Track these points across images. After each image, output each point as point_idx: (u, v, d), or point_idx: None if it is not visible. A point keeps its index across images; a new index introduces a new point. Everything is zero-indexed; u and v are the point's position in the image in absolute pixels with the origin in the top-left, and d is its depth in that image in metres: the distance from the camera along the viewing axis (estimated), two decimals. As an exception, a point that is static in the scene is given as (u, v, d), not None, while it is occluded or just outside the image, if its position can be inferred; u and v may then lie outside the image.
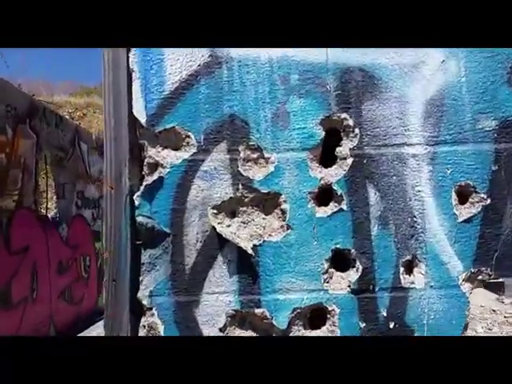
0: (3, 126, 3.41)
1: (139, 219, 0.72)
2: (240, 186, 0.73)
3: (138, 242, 0.74)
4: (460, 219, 0.73)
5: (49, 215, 4.22)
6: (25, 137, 3.73)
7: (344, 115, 0.74)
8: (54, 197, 4.30)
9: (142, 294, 0.71)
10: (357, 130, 0.74)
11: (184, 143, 0.74)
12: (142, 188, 0.72)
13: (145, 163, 0.74)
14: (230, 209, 0.75)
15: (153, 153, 0.74)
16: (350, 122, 0.74)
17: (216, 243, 0.73)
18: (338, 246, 0.73)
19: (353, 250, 0.73)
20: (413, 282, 0.72)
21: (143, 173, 0.75)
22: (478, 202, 0.74)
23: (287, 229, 0.73)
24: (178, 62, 0.74)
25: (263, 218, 0.75)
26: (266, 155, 0.74)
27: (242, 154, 0.74)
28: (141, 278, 0.72)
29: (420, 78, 0.75)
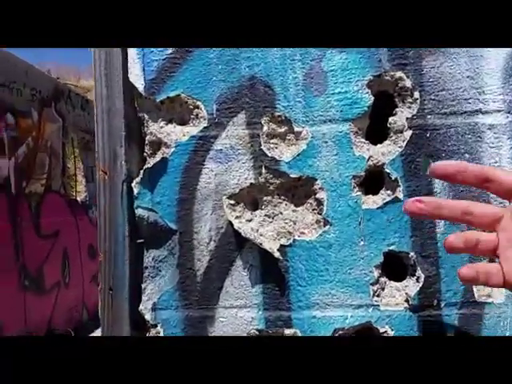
0: (29, 110, 3.38)
1: (139, 212, 0.58)
2: (263, 170, 0.57)
3: (139, 241, 0.60)
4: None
5: (78, 199, 4.23)
6: (51, 120, 3.70)
7: (399, 74, 0.56)
8: (83, 180, 4.29)
9: (145, 307, 0.58)
10: (416, 94, 0.56)
11: (192, 115, 0.59)
12: (141, 173, 0.58)
13: (146, 142, 0.60)
14: (250, 199, 0.59)
15: (154, 128, 0.59)
16: (408, 83, 0.56)
17: (234, 243, 0.57)
18: (392, 247, 0.56)
19: (412, 253, 0.56)
20: (489, 296, 0.55)
21: (144, 154, 0.60)
22: None
23: (325, 225, 0.57)
24: (184, 12, 0.57)
25: (293, 211, 0.59)
26: (297, 129, 0.57)
27: (265, 128, 0.57)
28: (143, 286, 0.58)
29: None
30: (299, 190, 0.59)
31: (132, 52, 0.58)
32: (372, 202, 0.57)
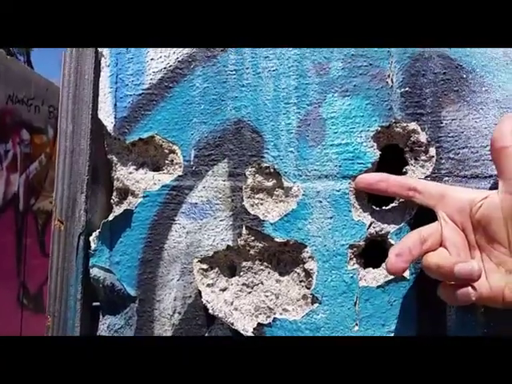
0: (45, 127, 3.40)
1: (94, 272, 0.49)
2: (244, 230, 0.48)
3: (94, 304, 0.51)
4: None
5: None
6: (66, 138, 3.71)
7: (413, 126, 0.47)
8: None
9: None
10: (432, 151, 0.47)
11: (167, 161, 0.50)
12: (100, 226, 0.49)
13: (114, 188, 0.52)
14: (227, 263, 0.50)
15: (121, 174, 0.50)
16: (422, 137, 0.47)
17: (202, 317, 0.48)
18: (392, 335, 0.46)
19: (418, 346, 0.45)
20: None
21: (112, 202, 0.52)
22: None
23: (313, 302, 0.47)
24: (165, 43, 0.50)
25: (277, 281, 0.49)
26: (286, 184, 0.48)
27: (249, 181, 0.49)
28: (93, 358, 0.49)
29: (538, 71, 0.47)
30: (285, 256, 0.49)
31: (104, 85, 0.51)
32: (371, 278, 0.47)
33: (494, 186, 0.46)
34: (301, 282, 0.48)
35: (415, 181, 0.44)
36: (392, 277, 0.46)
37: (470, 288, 0.37)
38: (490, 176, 0.46)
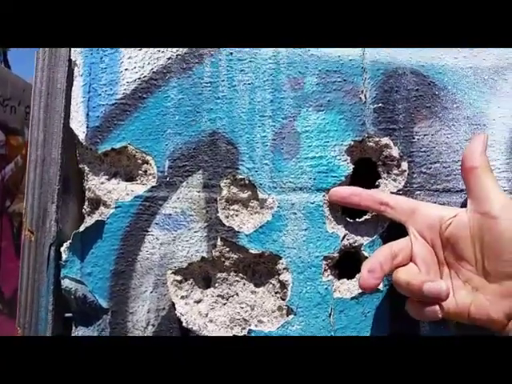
0: (21, 128, 3.33)
1: (65, 283, 0.48)
2: (219, 242, 0.48)
3: (66, 315, 0.50)
4: None
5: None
6: (43, 139, 3.64)
7: (385, 140, 0.48)
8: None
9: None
10: (404, 165, 0.48)
11: (140, 171, 0.50)
12: (71, 237, 0.48)
13: (85, 198, 0.51)
14: (202, 275, 0.50)
15: (93, 184, 0.50)
16: (395, 152, 0.48)
17: (177, 329, 0.47)
18: (365, 347, 0.46)
19: (389, 357, 0.46)
20: None
21: (83, 212, 0.51)
22: None
23: (288, 314, 0.47)
24: (140, 54, 0.49)
25: (252, 292, 0.49)
26: (262, 196, 0.48)
27: (224, 192, 0.49)
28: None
29: (507, 89, 0.48)
30: (261, 268, 0.49)
31: (77, 94, 0.50)
32: (346, 289, 0.47)
33: (466, 201, 0.47)
34: (276, 293, 0.49)
35: (387, 195, 0.45)
36: (367, 293, 0.46)
37: (437, 306, 0.38)
38: (462, 190, 0.47)
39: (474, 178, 0.40)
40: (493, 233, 0.38)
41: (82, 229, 0.48)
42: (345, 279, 0.49)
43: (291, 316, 0.47)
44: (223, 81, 0.49)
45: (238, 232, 0.48)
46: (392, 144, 0.48)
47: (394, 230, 0.47)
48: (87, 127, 0.49)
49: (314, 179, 0.48)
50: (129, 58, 0.50)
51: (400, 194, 0.47)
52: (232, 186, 0.49)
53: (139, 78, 0.49)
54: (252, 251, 0.48)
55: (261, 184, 0.48)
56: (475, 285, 0.39)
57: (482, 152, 0.41)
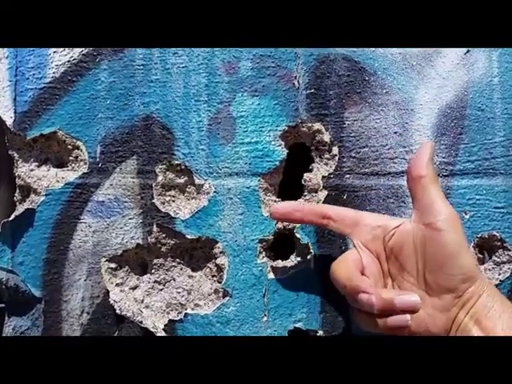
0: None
1: (-5, 273, 0.47)
2: (155, 228, 0.48)
3: (-2, 305, 0.49)
4: (482, 290, 0.49)
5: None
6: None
7: (317, 126, 0.49)
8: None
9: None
10: (335, 150, 0.49)
11: (71, 157, 0.49)
12: (0, 226, 0.47)
13: (16, 186, 0.49)
14: (137, 261, 0.50)
15: (23, 171, 0.48)
16: (326, 137, 0.49)
17: (112, 316, 0.48)
18: (298, 324, 0.48)
19: (320, 332, 0.48)
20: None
21: (14, 200, 0.49)
22: (507, 263, 0.50)
23: (224, 296, 0.48)
24: (69, 34, 0.47)
25: (189, 277, 0.50)
26: (198, 181, 0.48)
27: (160, 178, 0.48)
28: (-4, 363, 0.47)
29: (433, 75, 0.51)
30: (198, 252, 0.50)
31: (2, 78, 0.48)
32: (280, 271, 0.49)
33: (391, 182, 0.49)
34: (213, 276, 0.50)
35: (329, 209, 0.42)
36: (298, 268, 0.48)
37: (407, 315, 0.36)
38: (389, 173, 0.50)
39: (420, 187, 0.39)
40: (435, 245, 0.37)
41: (11, 217, 0.47)
42: (279, 260, 0.50)
43: (227, 298, 0.48)
44: (156, 63, 0.48)
45: (174, 218, 0.48)
46: (324, 129, 0.49)
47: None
48: (15, 112, 0.47)
49: (250, 164, 0.48)
50: (56, 38, 0.48)
51: (331, 178, 0.49)
52: (168, 172, 0.49)
53: (68, 61, 0.48)
54: (189, 236, 0.48)
55: (197, 169, 0.48)
56: None
57: (428, 161, 0.39)
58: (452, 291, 0.37)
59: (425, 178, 0.39)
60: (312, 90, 0.49)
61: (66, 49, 0.48)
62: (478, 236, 0.49)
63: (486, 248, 0.51)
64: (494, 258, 0.51)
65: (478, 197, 0.50)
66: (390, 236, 0.40)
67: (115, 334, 0.47)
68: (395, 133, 0.50)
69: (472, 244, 0.49)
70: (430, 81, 0.51)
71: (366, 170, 0.49)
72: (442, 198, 0.38)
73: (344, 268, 0.39)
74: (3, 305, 0.49)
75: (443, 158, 0.50)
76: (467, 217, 0.49)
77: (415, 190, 0.39)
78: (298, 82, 0.49)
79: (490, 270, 0.50)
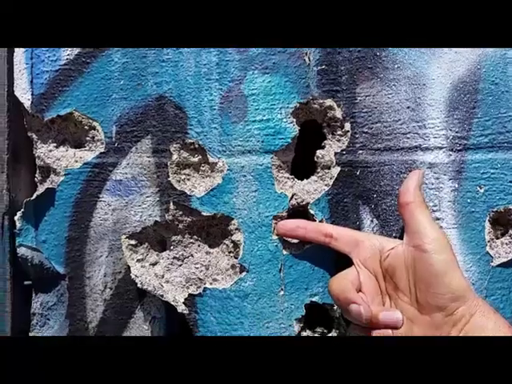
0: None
1: (21, 251, 0.49)
2: (171, 206, 0.49)
3: (26, 283, 0.51)
4: (496, 262, 0.49)
5: None
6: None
7: (329, 102, 0.49)
8: None
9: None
10: (347, 126, 0.49)
11: (88, 138, 0.50)
12: (24, 205, 0.49)
13: (36, 167, 0.51)
14: (156, 238, 0.51)
15: (42, 152, 0.49)
16: (338, 114, 0.49)
17: (133, 291, 0.49)
18: (315, 298, 0.50)
19: (336, 306, 0.49)
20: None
21: (36, 180, 0.51)
22: (521, 236, 0.50)
23: (241, 271, 0.50)
24: (82, 16, 0.48)
25: (207, 253, 0.51)
26: (211, 159, 0.49)
27: (174, 157, 0.49)
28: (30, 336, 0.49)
29: (445, 49, 0.50)
30: (214, 229, 0.51)
31: (19, 61, 0.48)
32: (295, 246, 0.50)
33: (405, 158, 0.50)
34: (229, 252, 0.51)
35: (331, 228, 0.45)
36: (312, 244, 0.49)
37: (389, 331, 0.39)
38: (402, 148, 0.50)
39: (408, 212, 0.42)
40: (423, 265, 0.39)
41: (33, 197, 0.48)
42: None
43: (244, 273, 0.49)
44: (168, 44, 0.49)
45: (190, 196, 0.49)
46: (335, 105, 0.49)
47: (340, 188, 0.49)
48: (32, 94, 0.48)
49: (262, 142, 0.49)
50: (69, 21, 0.48)
51: (344, 154, 0.49)
52: (182, 151, 0.50)
53: (82, 43, 0.48)
54: (204, 213, 0.49)
55: (210, 148, 0.49)
56: (410, 316, 0.40)
57: (415, 188, 0.42)
58: (442, 310, 0.38)
59: (412, 204, 0.42)
60: (323, 66, 0.49)
61: (80, 31, 0.48)
62: (494, 210, 0.49)
63: (501, 222, 0.51)
64: (510, 231, 0.51)
65: (492, 171, 0.50)
66: (385, 257, 0.42)
67: (137, 308, 0.49)
68: (408, 107, 0.50)
69: (487, 218, 0.49)
70: (441, 55, 0.50)
71: (379, 146, 0.50)
72: (429, 222, 0.41)
73: (340, 283, 0.42)
74: (30, 282, 0.51)
75: (456, 132, 0.49)
76: (482, 191, 0.49)
77: (404, 214, 0.42)
78: (309, 58, 0.49)
79: (506, 244, 0.51)
